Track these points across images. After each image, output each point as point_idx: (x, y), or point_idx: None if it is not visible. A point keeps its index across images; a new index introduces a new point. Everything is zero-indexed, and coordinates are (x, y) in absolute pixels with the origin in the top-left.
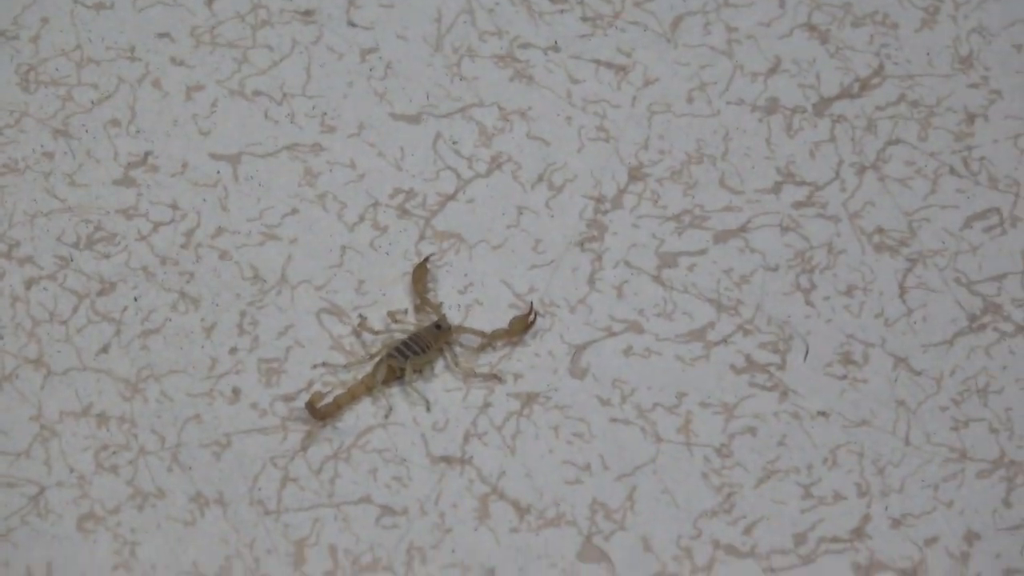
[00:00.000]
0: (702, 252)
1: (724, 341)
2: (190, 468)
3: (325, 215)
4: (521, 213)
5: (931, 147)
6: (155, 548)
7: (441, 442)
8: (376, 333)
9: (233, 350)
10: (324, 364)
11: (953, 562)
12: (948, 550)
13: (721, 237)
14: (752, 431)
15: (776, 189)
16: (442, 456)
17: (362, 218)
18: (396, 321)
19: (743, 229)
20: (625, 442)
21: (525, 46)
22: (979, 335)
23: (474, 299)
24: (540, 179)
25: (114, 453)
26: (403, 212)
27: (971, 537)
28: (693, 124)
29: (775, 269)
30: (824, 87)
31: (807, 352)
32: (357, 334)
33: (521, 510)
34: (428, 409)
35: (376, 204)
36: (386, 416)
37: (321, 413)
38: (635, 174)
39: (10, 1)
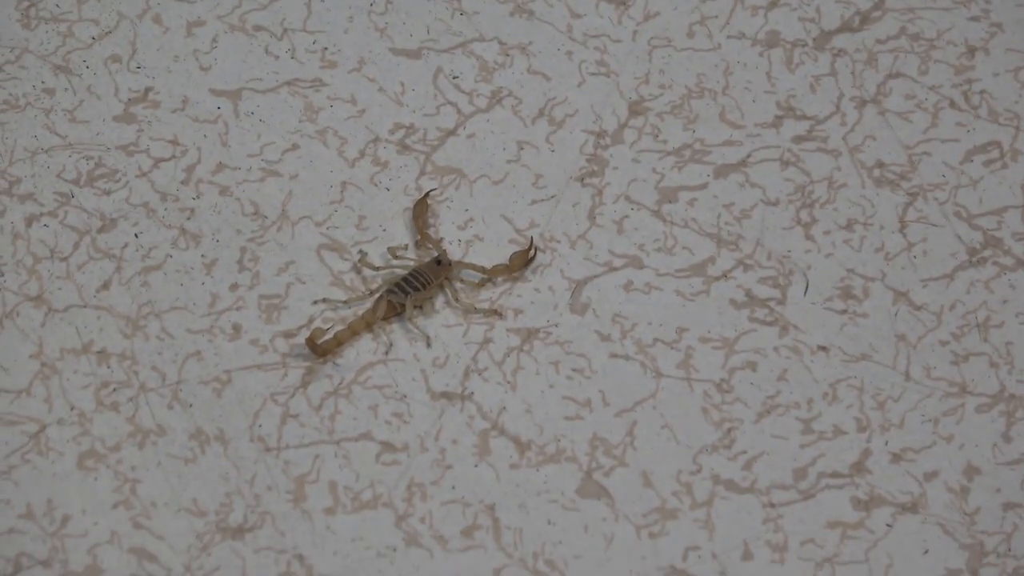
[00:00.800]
0: (702, 187)
1: (724, 276)
2: (190, 405)
3: (326, 151)
4: (522, 148)
5: (931, 81)
6: (155, 485)
7: (441, 378)
8: (376, 269)
9: (234, 286)
10: (325, 300)
11: (953, 496)
12: (948, 484)
13: (721, 172)
14: (752, 366)
15: (777, 123)
16: (442, 392)
17: (362, 154)
18: (396, 257)
19: (743, 163)
20: (625, 378)
21: None
22: (979, 269)
23: (474, 234)
24: (541, 114)
25: (114, 390)
26: (403, 147)
27: (971, 471)
28: (694, 58)
29: (775, 203)
30: (825, 20)
31: (807, 286)
32: (357, 270)
33: (521, 446)
34: (428, 345)
35: (376, 140)
36: (386, 352)
37: (321, 349)
38: (636, 108)
39: None
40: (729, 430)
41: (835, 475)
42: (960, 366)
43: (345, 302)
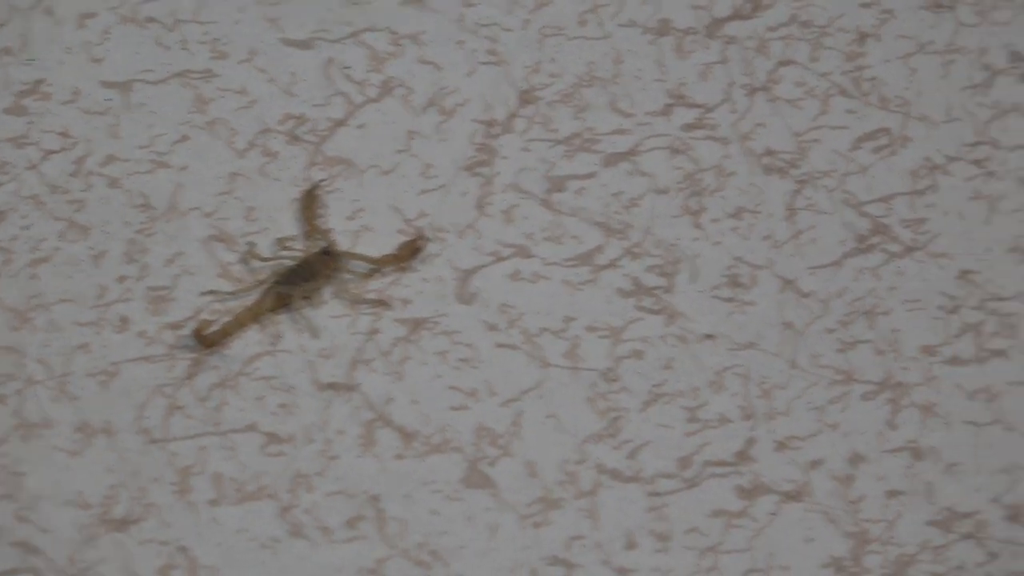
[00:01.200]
0: (591, 176)
1: (612, 265)
2: (77, 398)
3: (215, 142)
4: (411, 138)
5: (822, 68)
6: (41, 478)
7: (328, 369)
8: (265, 260)
9: (122, 278)
10: (212, 292)
11: (837, 484)
12: (832, 472)
13: (611, 160)
14: (638, 355)
15: (667, 112)
16: (329, 383)
17: (252, 144)
18: (285, 248)
19: (633, 152)
20: (511, 367)
21: None
22: (867, 256)
23: (363, 225)
24: (431, 103)
25: (1, 383)
26: (293, 138)
27: (855, 459)
28: (584, 47)
29: (664, 192)
30: (716, 8)
31: (695, 275)
32: (246, 261)
33: (407, 436)
34: (316, 336)
35: (266, 130)
36: (273, 343)
37: (208, 341)
38: (526, 98)
39: None
40: (615, 419)
41: (720, 464)
42: (846, 354)
43: (232, 293)
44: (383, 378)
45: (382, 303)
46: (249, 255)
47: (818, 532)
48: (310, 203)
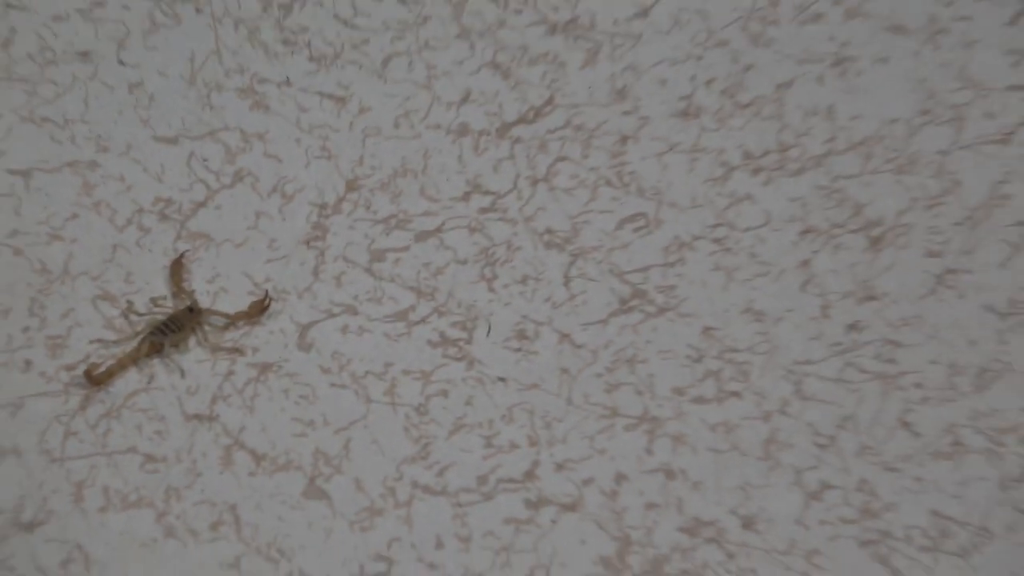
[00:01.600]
0: (405, 249)
1: (423, 321)
2: None
3: (100, 219)
4: (259, 217)
5: (591, 163)
6: None
7: (193, 403)
8: (141, 315)
9: (25, 328)
10: (99, 340)
11: (605, 498)
12: (601, 489)
13: (421, 237)
14: (444, 393)
15: (466, 198)
16: (194, 414)
17: (130, 221)
18: (157, 305)
19: (439, 230)
20: (342, 403)
21: (263, 81)
22: (628, 315)
23: (220, 287)
24: (275, 190)
25: None
26: (163, 217)
27: (620, 478)
28: (399, 145)
29: (464, 262)
30: (505, 114)
31: (489, 329)
32: (125, 316)
33: (258, 457)
34: (183, 376)
35: (141, 210)
36: (149, 382)
37: (96, 379)
38: (352, 185)
39: None
40: (425, 445)
41: (511, 481)
42: (612, 393)
43: (115, 342)
44: (238, 411)
45: (236, 350)
46: (128, 311)
47: (590, 536)
48: (177, 269)
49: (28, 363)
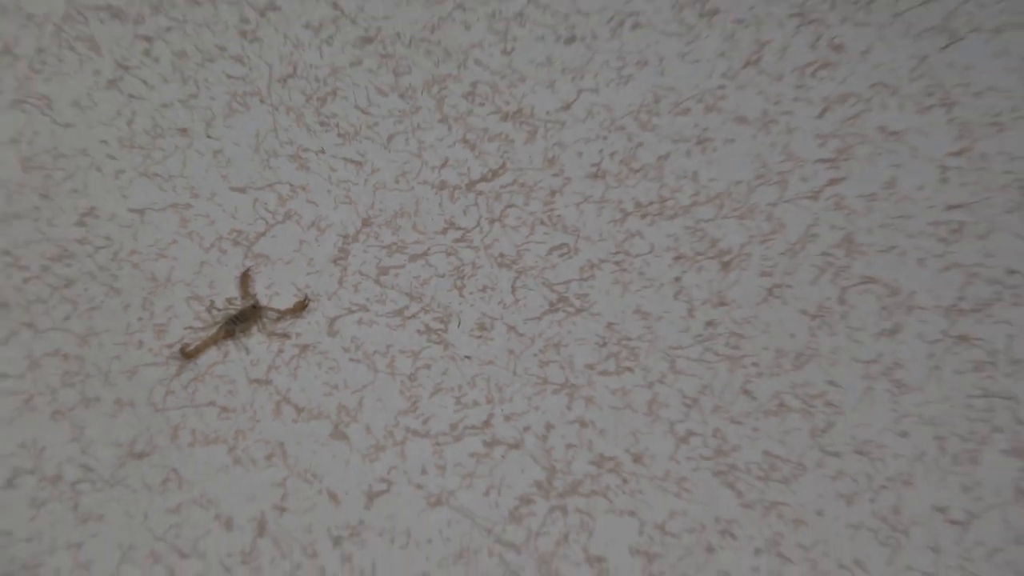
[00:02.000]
0: (402, 266)
1: (414, 316)
2: (115, 384)
3: (192, 244)
4: (301, 244)
5: (531, 209)
6: (96, 431)
7: (254, 371)
8: (219, 310)
9: (139, 319)
10: (190, 327)
11: (538, 440)
12: (536, 434)
13: (413, 258)
14: (428, 366)
15: (444, 232)
16: (255, 379)
17: (212, 245)
18: (230, 304)
19: (425, 254)
20: (357, 372)
21: (305, 150)
22: (555, 314)
23: (274, 292)
24: (312, 225)
25: (72, 375)
26: (235, 242)
27: (548, 427)
28: (399, 195)
29: (443, 276)
30: (472, 174)
31: (459, 322)
32: (209, 311)
33: (299, 409)
34: (247, 352)
35: (220, 238)
36: (224, 357)
37: (188, 355)
38: (366, 222)
39: None
40: (415, 402)
41: (473, 427)
42: (543, 368)
43: (201, 328)
44: (285, 377)
45: (285, 335)
46: (211, 308)
47: (528, 467)
48: (245, 279)
49: (141, 342)
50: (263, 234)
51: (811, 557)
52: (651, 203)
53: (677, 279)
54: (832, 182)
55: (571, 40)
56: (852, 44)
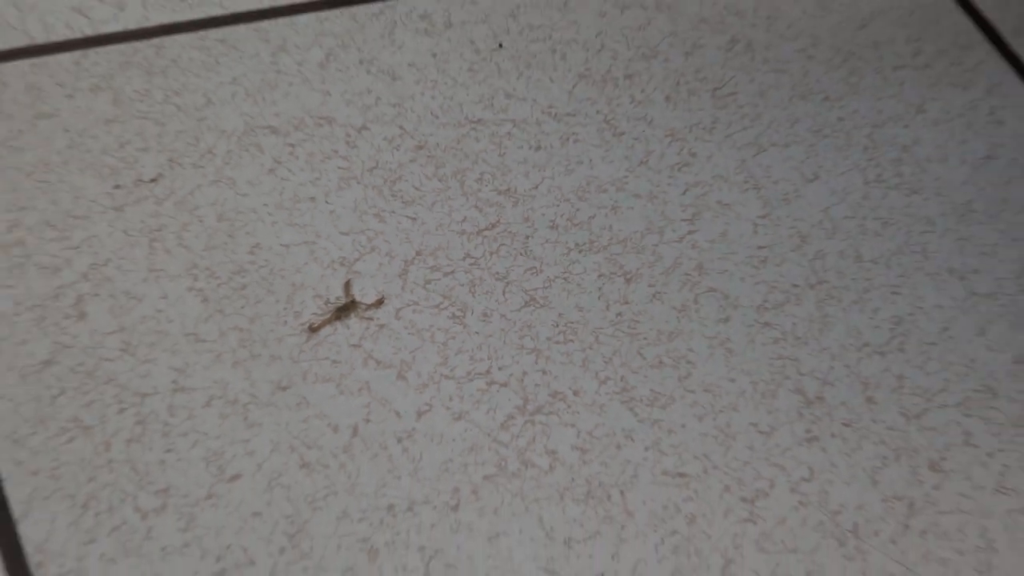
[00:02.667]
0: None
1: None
2: (270, 346)
3: (317, 265)
4: (380, 265)
5: (515, 246)
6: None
7: (353, 339)
8: (330, 303)
9: (285, 308)
10: (314, 313)
11: (518, 381)
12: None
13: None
14: (457, 339)
15: (463, 258)
16: (352, 344)
17: (327, 266)
18: (338, 300)
19: (452, 272)
20: (411, 341)
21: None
22: (528, 308)
23: (364, 293)
24: (386, 254)
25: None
26: (342, 264)
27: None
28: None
29: (463, 285)
30: (480, 225)
31: (472, 312)
32: (326, 304)
33: (378, 362)
34: (347, 328)
35: (333, 261)
36: (334, 331)
37: (313, 330)
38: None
39: None
40: (447, 356)
41: (484, 374)
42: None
43: (321, 314)
44: (370, 343)
45: (370, 319)
46: (327, 302)
47: (512, 397)
48: (347, 285)
49: (285, 322)
50: (358, 259)
51: (678, 452)
52: (584, 243)
53: (600, 288)
54: (690, 232)
55: (538, 148)
56: (701, 152)
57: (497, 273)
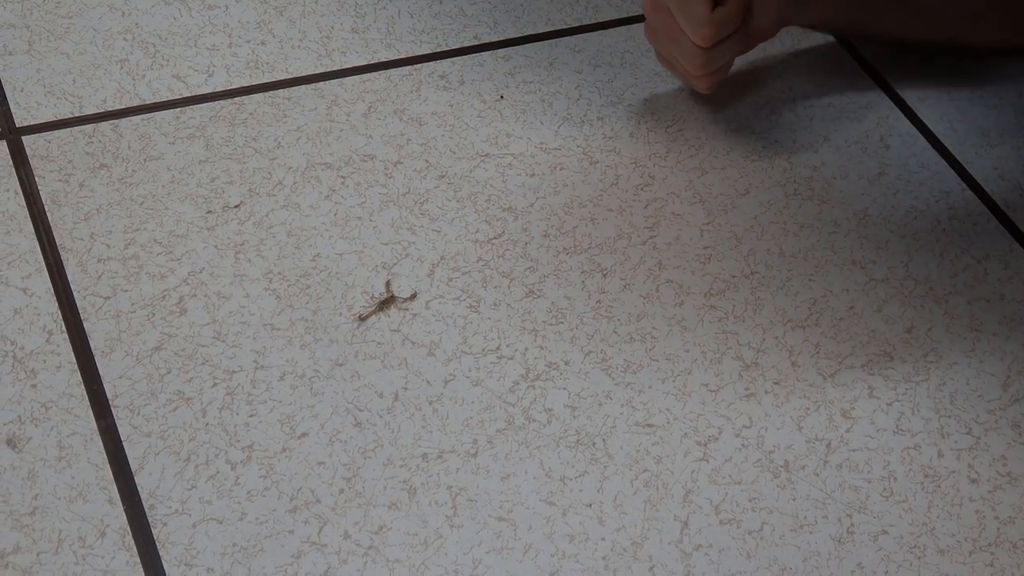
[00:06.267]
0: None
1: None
2: (328, 331)
3: (364, 268)
4: (414, 268)
5: (516, 252)
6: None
7: (392, 324)
8: (376, 297)
9: (341, 302)
10: (364, 305)
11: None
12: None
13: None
14: (473, 322)
15: (476, 262)
16: (392, 329)
17: (371, 269)
18: (381, 294)
19: (468, 272)
20: (436, 324)
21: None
22: (528, 299)
23: (402, 289)
24: (417, 259)
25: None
26: (383, 267)
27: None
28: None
29: (477, 282)
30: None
31: (484, 302)
32: (372, 298)
33: (413, 342)
34: (388, 317)
35: (377, 265)
36: (378, 320)
37: (362, 318)
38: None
39: None
40: (466, 336)
41: (495, 350)
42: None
43: (366, 306)
44: (407, 327)
45: (406, 309)
46: (372, 297)
47: (516, 368)
48: (388, 283)
49: (340, 312)
50: (396, 263)
51: (647, 407)
52: (570, 247)
53: (583, 282)
54: (651, 237)
55: (532, 175)
56: (658, 175)
57: (503, 272)
